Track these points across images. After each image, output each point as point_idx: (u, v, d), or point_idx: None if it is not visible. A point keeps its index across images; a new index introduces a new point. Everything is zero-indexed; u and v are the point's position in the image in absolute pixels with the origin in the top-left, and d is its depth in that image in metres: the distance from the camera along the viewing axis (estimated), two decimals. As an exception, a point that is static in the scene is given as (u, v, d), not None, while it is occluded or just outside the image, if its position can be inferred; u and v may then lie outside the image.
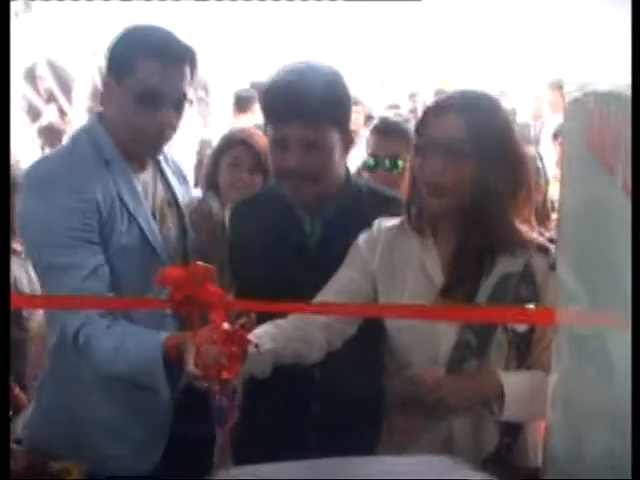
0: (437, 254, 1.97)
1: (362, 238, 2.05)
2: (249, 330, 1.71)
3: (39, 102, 7.09)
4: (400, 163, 2.86)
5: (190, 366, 1.68)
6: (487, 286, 1.91)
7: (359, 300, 2.01)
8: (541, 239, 2.00)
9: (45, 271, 2.04)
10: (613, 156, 1.02)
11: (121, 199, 2.05)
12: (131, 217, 2.06)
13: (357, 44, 7.18)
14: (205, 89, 7.70)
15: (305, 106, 2.00)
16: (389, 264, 2.00)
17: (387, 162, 2.90)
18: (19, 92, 6.76)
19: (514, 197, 1.91)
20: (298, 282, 2.04)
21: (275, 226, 2.14)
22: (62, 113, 6.99)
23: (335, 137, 2.07)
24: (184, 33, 2.13)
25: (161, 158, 2.25)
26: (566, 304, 1.31)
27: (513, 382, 1.87)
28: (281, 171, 2.09)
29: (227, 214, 2.28)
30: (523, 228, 1.96)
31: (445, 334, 1.92)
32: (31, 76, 7.04)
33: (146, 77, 2.02)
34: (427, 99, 6.81)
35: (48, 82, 7.18)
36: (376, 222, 2.07)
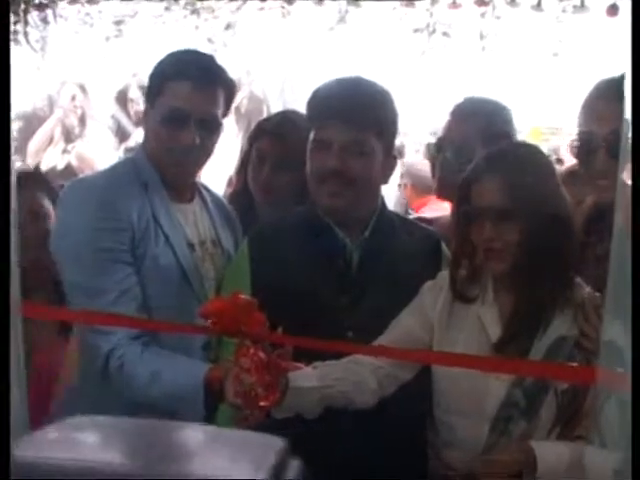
0: (496, 309, 1.95)
1: (427, 286, 2.04)
2: (284, 360, 1.70)
3: (128, 124, 7.26)
4: None
5: (230, 395, 1.69)
6: (541, 346, 1.88)
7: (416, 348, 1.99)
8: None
9: (76, 290, 2.04)
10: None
11: (157, 222, 2.05)
12: (167, 241, 2.06)
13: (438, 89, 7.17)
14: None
15: (352, 109, 2.01)
16: (448, 315, 1.99)
17: None
18: (109, 112, 6.94)
19: (566, 247, 1.90)
20: (337, 309, 2.03)
21: (315, 251, 2.09)
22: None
23: (378, 148, 2.07)
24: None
25: (207, 196, 2.27)
26: (612, 367, 1.26)
27: (548, 455, 1.80)
28: (320, 172, 2.06)
29: (245, 244, 2.18)
30: (585, 287, 1.94)
31: (494, 390, 1.89)
32: (122, 98, 7.20)
33: (172, 97, 2.06)
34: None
35: (139, 105, 7.34)
36: (441, 273, 2.05)
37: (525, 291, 1.91)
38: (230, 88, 2.18)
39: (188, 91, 2.07)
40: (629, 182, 1.23)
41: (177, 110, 2.06)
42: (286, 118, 2.66)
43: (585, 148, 2.04)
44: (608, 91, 1.94)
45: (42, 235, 2.30)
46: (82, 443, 1.18)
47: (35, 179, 2.60)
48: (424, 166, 5.05)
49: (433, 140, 2.67)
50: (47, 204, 2.47)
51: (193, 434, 1.29)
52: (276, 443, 1.15)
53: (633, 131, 0.96)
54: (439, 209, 4.03)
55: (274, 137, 2.56)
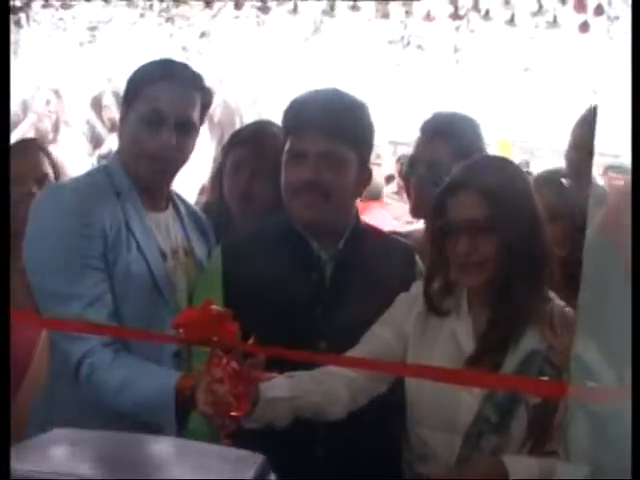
0: (470, 322, 1.95)
1: (401, 297, 2.03)
2: (257, 370, 1.69)
3: (102, 130, 7.22)
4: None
5: (201, 405, 1.68)
6: (513, 360, 1.88)
7: (390, 360, 1.97)
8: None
9: (46, 297, 2.02)
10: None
11: (129, 230, 2.04)
12: (139, 249, 2.05)
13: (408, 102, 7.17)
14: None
15: (329, 120, 2.01)
16: (423, 327, 1.98)
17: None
18: (84, 118, 6.90)
19: (541, 261, 1.89)
20: (311, 320, 2.02)
21: (288, 261, 2.07)
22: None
23: (353, 160, 2.07)
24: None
25: (181, 205, 2.26)
26: (582, 381, 1.27)
27: (519, 470, 1.79)
28: (295, 184, 2.05)
29: (218, 254, 2.16)
30: (556, 301, 1.94)
31: (466, 404, 1.88)
32: (97, 104, 7.16)
33: (150, 99, 2.06)
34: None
35: (113, 112, 7.31)
36: (415, 285, 2.04)
37: (499, 305, 1.91)
38: (206, 96, 2.19)
39: (166, 93, 2.07)
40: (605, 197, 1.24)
41: (155, 111, 2.06)
42: (261, 127, 2.67)
43: (577, 158, 2.04)
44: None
45: None
46: (59, 458, 1.17)
47: (38, 146, 2.62)
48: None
49: (392, 148, 2.68)
50: (50, 171, 2.53)
51: (172, 449, 1.27)
52: (255, 459, 1.14)
53: (633, 132, 0.97)
54: (378, 216, 4.08)
55: (250, 145, 2.55)
